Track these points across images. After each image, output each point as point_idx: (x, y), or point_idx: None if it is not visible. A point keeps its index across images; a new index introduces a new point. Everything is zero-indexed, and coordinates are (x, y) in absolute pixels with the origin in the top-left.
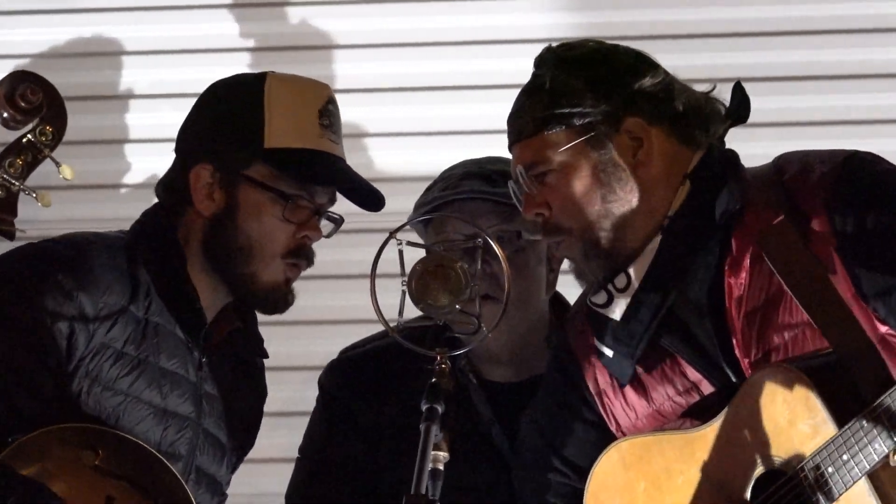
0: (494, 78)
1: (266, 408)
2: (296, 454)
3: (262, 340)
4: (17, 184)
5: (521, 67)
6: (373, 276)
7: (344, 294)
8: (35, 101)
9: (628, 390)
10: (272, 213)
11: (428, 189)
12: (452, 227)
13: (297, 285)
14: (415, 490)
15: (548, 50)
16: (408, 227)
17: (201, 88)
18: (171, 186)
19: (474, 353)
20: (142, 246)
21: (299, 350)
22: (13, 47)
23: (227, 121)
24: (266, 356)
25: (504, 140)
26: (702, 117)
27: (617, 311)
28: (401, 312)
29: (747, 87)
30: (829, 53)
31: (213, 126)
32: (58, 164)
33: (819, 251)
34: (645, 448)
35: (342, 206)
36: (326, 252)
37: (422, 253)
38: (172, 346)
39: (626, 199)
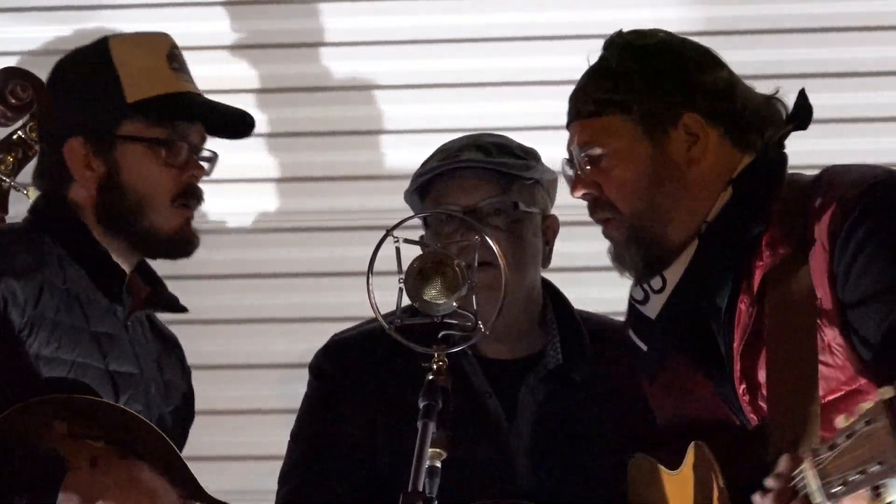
0: (501, 76)
1: (269, 406)
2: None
3: (176, 299)
4: (7, 180)
5: (525, 65)
6: (369, 273)
7: (341, 291)
8: (25, 97)
9: (656, 387)
10: (153, 162)
11: (426, 161)
12: (450, 196)
13: (296, 283)
14: (412, 487)
15: (618, 35)
16: (403, 225)
17: (204, 85)
18: (48, 171)
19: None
20: (42, 222)
21: (298, 347)
22: (8, 44)
23: (84, 89)
24: (185, 310)
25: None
26: (759, 120)
27: (653, 310)
28: (398, 309)
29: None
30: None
31: (71, 99)
32: None
33: (819, 289)
34: (648, 470)
35: (341, 204)
36: (324, 249)
37: (419, 250)
38: (99, 310)
39: (674, 194)
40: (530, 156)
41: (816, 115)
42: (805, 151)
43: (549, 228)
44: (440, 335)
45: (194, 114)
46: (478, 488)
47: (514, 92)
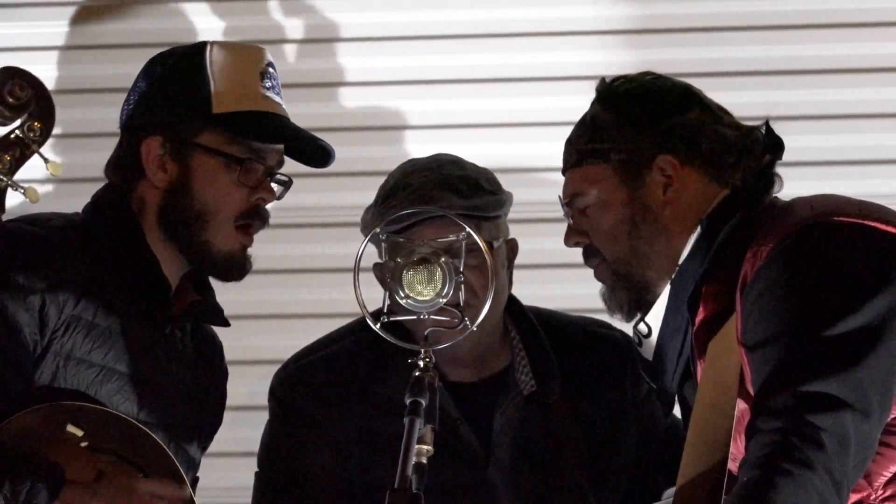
0: (498, 72)
1: (256, 402)
2: None
3: (221, 311)
4: (4, 179)
5: (528, 62)
6: (356, 270)
7: (327, 288)
8: (23, 97)
9: None
10: (226, 178)
11: (390, 193)
12: (424, 238)
13: (282, 279)
14: (399, 484)
15: (601, 82)
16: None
17: None
18: (122, 163)
19: (436, 355)
20: (96, 223)
21: (285, 344)
22: (7, 40)
23: (174, 91)
24: (227, 324)
25: (495, 134)
26: (734, 154)
27: (648, 353)
28: (384, 306)
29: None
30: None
31: (159, 98)
32: (46, 160)
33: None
34: None
35: (328, 200)
36: (310, 246)
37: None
38: (139, 318)
39: (651, 237)
40: (496, 186)
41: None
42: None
43: (511, 251)
44: (426, 332)
45: (276, 138)
46: None
47: (512, 89)
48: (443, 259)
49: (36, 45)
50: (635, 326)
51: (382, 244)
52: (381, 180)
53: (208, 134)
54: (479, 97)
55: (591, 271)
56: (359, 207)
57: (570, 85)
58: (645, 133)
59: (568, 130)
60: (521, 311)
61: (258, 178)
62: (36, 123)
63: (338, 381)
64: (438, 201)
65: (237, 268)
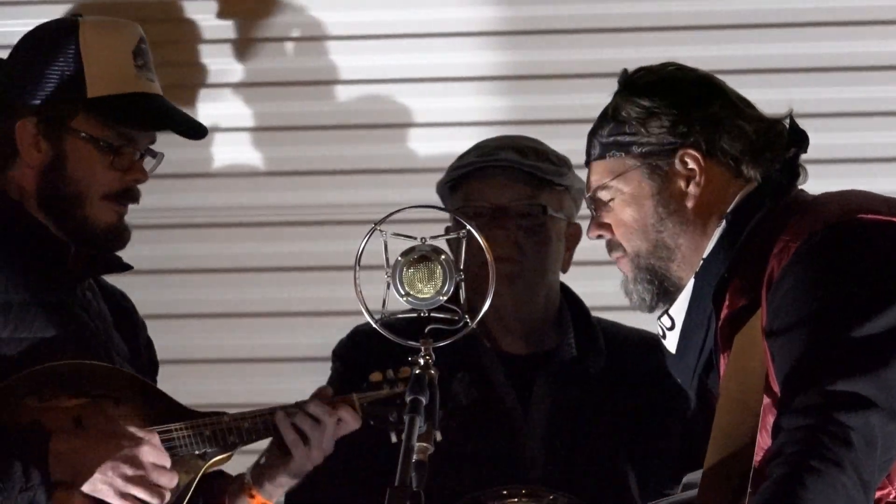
0: (494, 70)
1: (256, 400)
2: None
3: (118, 258)
4: None
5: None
6: (356, 267)
7: (328, 286)
8: None
9: None
10: (99, 162)
11: (462, 156)
12: (483, 193)
13: (282, 277)
14: (399, 481)
15: (623, 73)
16: (391, 219)
17: (189, 80)
18: None
19: (486, 322)
20: None
21: (285, 342)
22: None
23: (48, 73)
24: (129, 267)
25: (493, 132)
26: (758, 148)
27: (672, 346)
28: (384, 304)
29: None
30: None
31: (33, 79)
32: None
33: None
34: None
35: (328, 198)
36: (311, 243)
37: (406, 245)
38: (46, 283)
39: (675, 231)
40: (563, 163)
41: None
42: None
43: (573, 236)
44: (427, 329)
45: (150, 125)
46: (492, 478)
47: (509, 87)
48: (443, 257)
49: None
50: (659, 319)
51: (383, 240)
52: (381, 179)
53: (82, 118)
54: (480, 95)
55: (608, 268)
56: (359, 206)
57: (571, 83)
58: (667, 126)
59: (568, 130)
60: (575, 297)
61: (131, 162)
62: None
63: (391, 347)
64: (499, 155)
65: (117, 237)
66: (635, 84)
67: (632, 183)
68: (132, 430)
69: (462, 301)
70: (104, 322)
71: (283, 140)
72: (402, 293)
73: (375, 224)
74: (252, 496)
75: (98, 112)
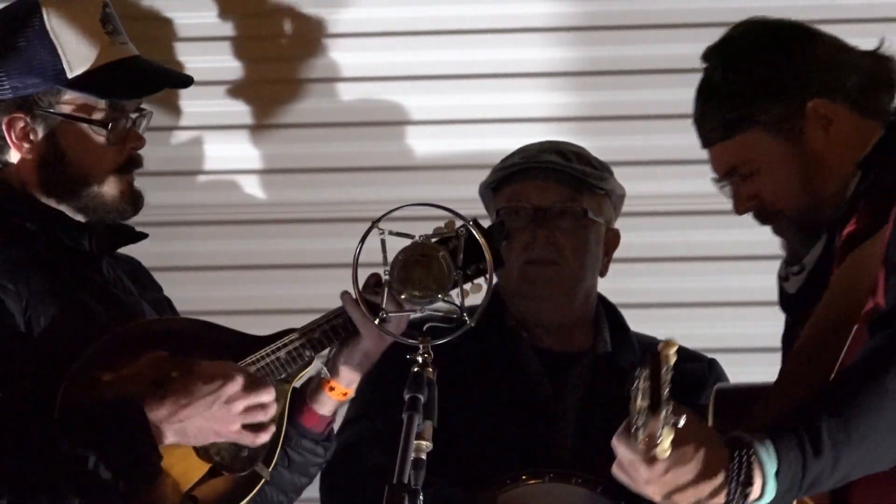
0: (489, 68)
1: None
2: None
3: (132, 227)
4: None
5: (525, 56)
6: (355, 265)
7: (326, 283)
8: None
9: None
10: (94, 141)
11: (505, 158)
12: (524, 194)
13: (282, 275)
14: (397, 479)
15: (707, 51)
16: (389, 216)
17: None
18: None
19: (523, 316)
20: None
21: None
22: None
23: (21, 63)
24: (144, 235)
25: (491, 129)
26: (877, 84)
27: (793, 287)
28: (383, 302)
29: None
30: None
31: (9, 73)
32: None
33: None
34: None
35: (327, 196)
36: (310, 241)
37: (405, 242)
38: (74, 267)
39: (823, 181)
40: (605, 169)
41: None
42: None
43: (611, 241)
44: (425, 327)
45: (135, 91)
46: (523, 465)
47: (504, 85)
48: (442, 254)
49: None
50: (788, 266)
51: (382, 238)
52: (381, 177)
53: (68, 100)
54: (480, 93)
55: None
56: (357, 204)
57: (571, 81)
58: (784, 85)
59: (568, 129)
60: (612, 304)
61: (125, 131)
62: None
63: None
64: (542, 157)
65: (132, 203)
66: (729, 57)
67: (769, 152)
68: (218, 371)
69: (461, 299)
70: (130, 294)
71: (280, 137)
72: (401, 291)
73: (374, 222)
74: (332, 388)
75: (82, 90)
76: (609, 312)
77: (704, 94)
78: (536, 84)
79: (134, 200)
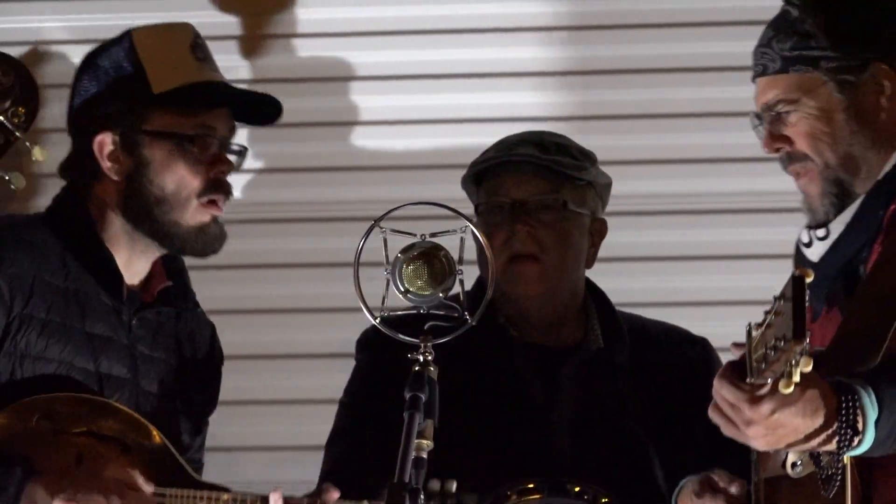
0: (483, 67)
1: (254, 397)
2: (300, 442)
3: (193, 294)
4: None
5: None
6: (356, 264)
7: (327, 283)
8: (6, 82)
9: (817, 326)
10: (181, 159)
11: (485, 151)
12: (502, 188)
13: (282, 274)
14: (398, 478)
15: None
16: (391, 215)
17: None
18: (76, 164)
19: (510, 314)
20: (55, 219)
21: (282, 338)
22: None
23: (112, 84)
24: (196, 307)
25: (491, 129)
26: None
27: (816, 255)
28: (384, 301)
29: None
30: None
31: (100, 94)
32: (31, 146)
33: None
34: None
35: (328, 195)
36: (311, 240)
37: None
38: (99, 311)
39: (865, 143)
40: (587, 158)
41: None
42: None
43: (597, 231)
44: (426, 326)
45: (219, 100)
46: (517, 467)
47: (505, 84)
48: (442, 253)
49: (32, 39)
50: (811, 230)
51: (383, 237)
52: (381, 176)
53: (155, 118)
54: (481, 92)
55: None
56: (359, 203)
57: (539, 81)
58: (859, 40)
59: (568, 129)
60: (599, 290)
61: (213, 152)
62: (20, 109)
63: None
64: (517, 150)
65: (212, 240)
66: None
67: (821, 97)
68: (125, 479)
69: (462, 298)
70: (153, 362)
71: (281, 137)
72: (402, 290)
73: (375, 221)
74: None
75: (167, 105)
76: (597, 300)
77: (775, 26)
78: (536, 83)
79: (216, 236)
